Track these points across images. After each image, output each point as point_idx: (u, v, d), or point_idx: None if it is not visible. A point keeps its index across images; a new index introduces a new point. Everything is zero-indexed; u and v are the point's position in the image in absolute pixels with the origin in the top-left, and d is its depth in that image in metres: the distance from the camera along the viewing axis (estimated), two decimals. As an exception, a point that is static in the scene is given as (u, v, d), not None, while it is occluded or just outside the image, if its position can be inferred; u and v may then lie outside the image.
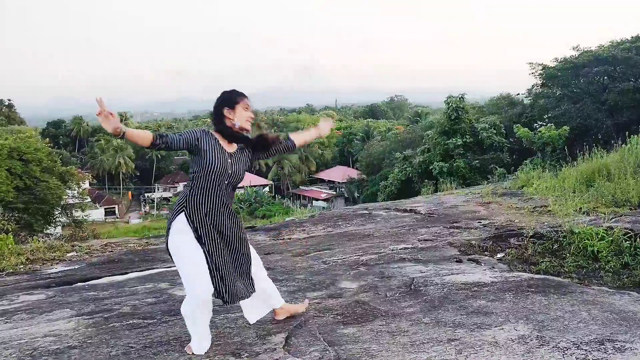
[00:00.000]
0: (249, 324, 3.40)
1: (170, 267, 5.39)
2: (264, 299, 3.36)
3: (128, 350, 3.04)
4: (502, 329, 3.33)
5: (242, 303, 3.24)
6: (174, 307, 3.86)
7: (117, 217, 56.83)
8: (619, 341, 3.09)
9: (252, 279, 3.18)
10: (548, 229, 5.83)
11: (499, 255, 5.32)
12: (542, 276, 4.57)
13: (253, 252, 3.26)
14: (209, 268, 2.94)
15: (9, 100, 70.37)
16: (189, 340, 3.16)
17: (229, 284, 3.00)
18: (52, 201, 29.79)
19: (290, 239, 7.13)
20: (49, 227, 30.82)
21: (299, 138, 3.47)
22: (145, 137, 2.85)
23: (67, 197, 32.91)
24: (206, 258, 2.95)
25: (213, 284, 2.94)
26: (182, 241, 2.94)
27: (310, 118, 72.44)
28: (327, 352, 2.98)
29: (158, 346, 3.08)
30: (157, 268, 5.35)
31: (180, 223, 2.97)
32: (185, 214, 2.98)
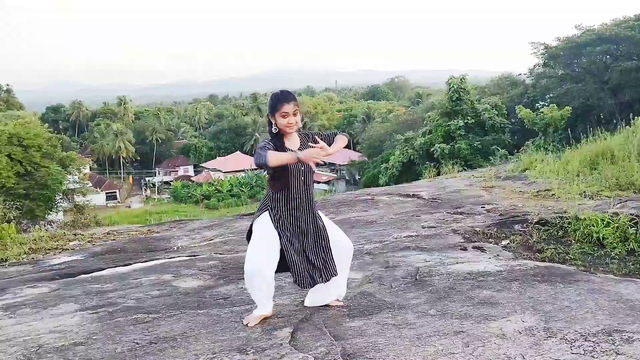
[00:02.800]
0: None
1: (173, 257, 5.38)
2: (329, 288, 3.53)
3: (133, 346, 3.02)
4: (509, 320, 3.31)
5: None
6: (179, 301, 3.84)
7: (119, 202, 56.92)
8: (627, 332, 3.07)
9: (333, 266, 3.41)
10: (553, 214, 5.80)
11: (503, 243, 5.29)
12: (548, 264, 4.54)
13: (341, 242, 3.46)
14: (287, 254, 3.26)
15: (7, 85, 70.03)
16: (195, 336, 3.15)
17: (301, 271, 3.30)
18: (53, 186, 29.82)
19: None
20: (51, 213, 30.89)
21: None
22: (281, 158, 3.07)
23: (67, 182, 32.94)
24: (283, 246, 3.25)
25: (291, 269, 3.29)
26: (259, 229, 3.26)
27: (310, 100, 72.01)
28: (334, 346, 2.96)
29: (164, 342, 3.07)
30: (161, 259, 5.33)
31: (263, 218, 3.28)
32: (269, 212, 3.27)
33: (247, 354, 2.88)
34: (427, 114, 34.90)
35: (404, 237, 5.64)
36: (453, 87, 30.65)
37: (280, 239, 3.25)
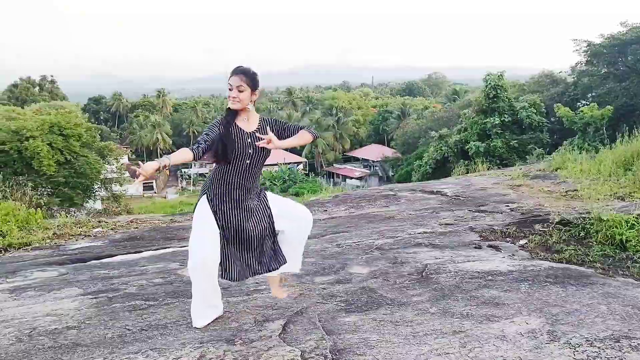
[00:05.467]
0: (248, 309, 3.35)
1: (184, 246, 5.38)
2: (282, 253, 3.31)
3: (124, 332, 3.02)
4: (513, 321, 3.17)
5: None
6: (179, 289, 3.83)
7: (155, 192, 58.01)
8: (637, 339, 2.89)
9: (279, 252, 3.25)
10: (576, 214, 5.57)
11: (521, 242, 5.11)
12: (564, 265, 4.35)
13: (299, 215, 3.24)
14: (222, 247, 3.02)
15: (52, 76, 72.13)
16: (187, 324, 3.13)
17: (234, 264, 3.07)
18: (91, 175, 30.53)
19: (311, 219, 7.05)
20: (89, 201, 31.70)
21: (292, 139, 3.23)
22: (187, 155, 2.77)
23: (105, 171, 33.69)
24: (220, 236, 3.01)
25: (223, 263, 3.03)
26: (199, 216, 3.03)
27: (346, 95, 71.68)
28: (324, 341, 2.88)
29: (154, 329, 3.05)
30: (171, 247, 5.35)
31: (202, 203, 3.06)
32: (207, 196, 3.06)
33: (234, 344, 2.83)
34: (463, 111, 34.25)
35: (418, 233, 5.50)
36: (490, 84, 29.96)
37: (219, 233, 3.02)
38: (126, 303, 3.52)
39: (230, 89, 2.98)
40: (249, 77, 3.00)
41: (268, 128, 3.06)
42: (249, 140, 3.01)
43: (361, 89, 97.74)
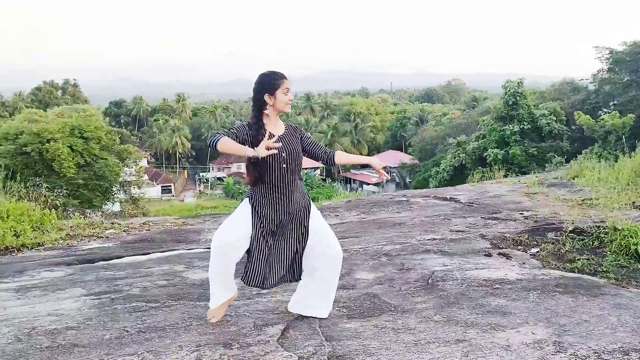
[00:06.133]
0: (249, 313, 3.31)
1: (191, 249, 5.38)
2: (310, 301, 3.24)
3: (122, 334, 3.00)
4: (518, 331, 3.08)
5: (297, 288, 3.29)
6: (182, 291, 3.82)
7: (173, 195, 58.49)
8: (647, 352, 2.79)
9: (299, 270, 3.17)
10: (590, 223, 5.44)
11: (532, 250, 5.00)
12: (576, 275, 4.24)
13: (330, 250, 3.13)
14: (253, 250, 3.00)
15: (75, 79, 73.34)
16: (185, 327, 3.10)
17: (262, 270, 3.03)
18: (110, 178, 30.89)
19: (321, 224, 7.00)
20: (107, 203, 32.05)
21: (344, 157, 3.27)
22: (235, 148, 2.82)
23: (124, 174, 34.04)
24: (255, 239, 3.00)
25: (247, 266, 3.03)
26: (237, 211, 3.06)
27: (364, 101, 71.57)
28: (323, 347, 2.83)
29: (152, 331, 3.03)
30: (179, 250, 5.34)
31: (244, 204, 3.06)
32: (249, 199, 3.04)
33: (231, 348, 2.80)
34: (482, 118, 33.95)
35: (428, 240, 5.42)
36: (509, 91, 29.66)
37: (252, 230, 2.99)
38: (127, 304, 3.51)
39: (286, 93, 2.96)
40: None
41: (296, 133, 3.08)
42: (281, 143, 2.92)
43: (380, 95, 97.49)
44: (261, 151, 2.75)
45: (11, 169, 12.73)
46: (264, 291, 3.77)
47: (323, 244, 3.10)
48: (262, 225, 2.99)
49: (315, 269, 3.13)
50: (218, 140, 2.77)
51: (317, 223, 3.13)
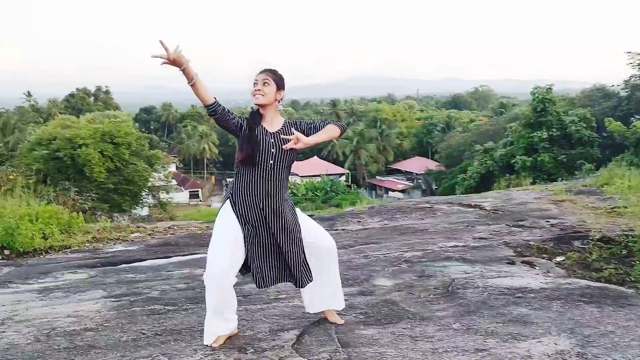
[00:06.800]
0: (265, 318, 3.30)
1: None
2: (323, 295, 3.19)
3: (139, 336, 3.02)
4: (540, 341, 3.00)
5: (302, 292, 3.20)
6: (200, 295, 3.82)
7: (201, 201, 59.11)
8: (675, 366, 2.69)
9: (307, 268, 3.07)
10: (618, 232, 5.29)
11: (558, 259, 4.88)
12: (602, 284, 4.11)
13: (322, 242, 3.10)
14: (247, 251, 2.90)
15: (106, 86, 74.91)
16: (201, 331, 3.09)
17: (262, 270, 2.95)
18: (139, 183, 31.37)
19: (343, 229, 6.98)
20: (137, 208, 32.53)
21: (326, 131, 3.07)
22: (209, 95, 2.80)
23: (153, 179, 34.52)
24: (244, 241, 2.89)
25: (249, 267, 2.93)
26: (220, 224, 2.94)
27: (390, 108, 71.27)
28: (338, 354, 2.80)
29: (168, 334, 3.05)
30: (200, 253, 5.37)
31: (225, 209, 2.96)
32: (230, 200, 2.95)
33: (245, 353, 2.79)
34: (510, 124, 33.44)
35: (450, 246, 5.34)
36: (538, 97, 29.18)
37: (242, 231, 2.89)
38: (146, 307, 3.54)
39: (255, 83, 2.93)
40: (275, 74, 2.97)
41: (293, 128, 2.97)
42: (272, 140, 2.90)
43: (406, 101, 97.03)
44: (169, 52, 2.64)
45: (43, 174, 13.03)
46: (282, 296, 3.76)
47: (316, 241, 3.09)
48: (249, 224, 2.90)
49: (316, 266, 3.09)
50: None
51: (305, 223, 3.09)
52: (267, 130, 2.94)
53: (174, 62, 2.67)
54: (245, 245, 2.91)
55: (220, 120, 2.87)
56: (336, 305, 3.24)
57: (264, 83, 2.92)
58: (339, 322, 3.26)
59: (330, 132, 2.98)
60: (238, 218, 2.91)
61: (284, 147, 2.88)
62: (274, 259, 3.00)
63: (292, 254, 3.00)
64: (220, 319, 2.90)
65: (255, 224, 2.92)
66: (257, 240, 2.93)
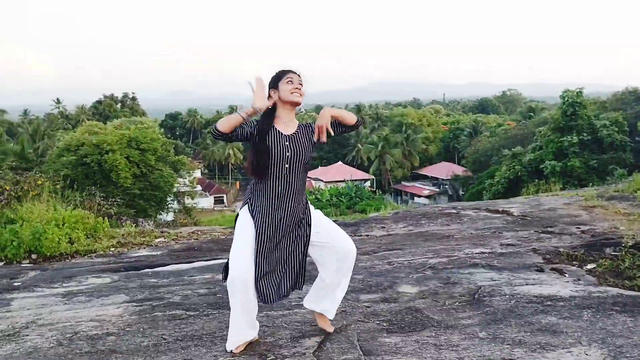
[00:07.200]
0: (286, 324, 3.26)
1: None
2: (327, 297, 3.10)
3: (159, 341, 3.01)
4: (570, 351, 2.89)
5: (314, 285, 3.15)
6: (222, 300, 3.80)
7: (225, 206, 59.54)
8: None
9: (301, 280, 3.03)
10: (653, 239, 5.10)
11: (588, 266, 4.72)
12: (635, 293, 3.95)
13: (342, 246, 2.99)
14: (256, 259, 2.82)
15: (133, 93, 76.17)
16: (222, 337, 3.07)
17: (267, 287, 2.87)
18: (165, 188, 31.75)
19: (367, 235, 6.90)
20: (162, 213, 32.92)
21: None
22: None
23: (178, 185, 34.90)
24: (255, 254, 2.82)
25: (256, 283, 2.83)
26: (239, 229, 2.88)
27: (416, 113, 70.80)
28: (360, 361, 2.74)
29: (189, 340, 3.02)
30: (222, 258, 5.36)
31: (242, 214, 2.91)
32: (248, 206, 2.90)
33: (266, 359, 2.75)
34: (539, 128, 32.87)
35: (476, 253, 5.23)
36: (568, 100, 28.63)
37: (255, 239, 2.83)
38: (167, 312, 3.53)
39: (289, 82, 2.87)
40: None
41: (309, 130, 2.93)
42: (287, 143, 2.84)
43: (432, 105, 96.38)
44: (258, 101, 2.73)
45: (69, 179, 13.23)
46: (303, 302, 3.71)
47: (334, 241, 2.98)
48: (263, 233, 2.83)
49: (324, 267, 3.01)
50: (216, 123, 2.78)
51: (325, 226, 3.02)
52: (281, 133, 2.86)
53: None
54: (256, 258, 2.83)
55: (227, 140, 2.85)
56: (330, 312, 3.13)
57: (301, 84, 2.89)
58: (329, 329, 3.16)
59: (349, 114, 3.00)
60: (255, 225, 2.85)
61: (321, 140, 2.86)
62: (280, 271, 2.93)
63: (299, 260, 2.97)
64: (246, 323, 2.85)
65: (269, 231, 2.85)
66: (268, 252, 2.86)
